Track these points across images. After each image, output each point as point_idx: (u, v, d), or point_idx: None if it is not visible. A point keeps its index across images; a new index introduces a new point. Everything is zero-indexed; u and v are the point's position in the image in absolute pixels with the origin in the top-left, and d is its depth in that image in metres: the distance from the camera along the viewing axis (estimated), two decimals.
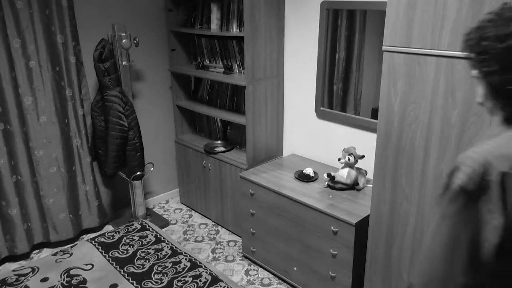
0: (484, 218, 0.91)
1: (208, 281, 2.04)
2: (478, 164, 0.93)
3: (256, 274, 2.93)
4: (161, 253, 2.28)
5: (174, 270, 2.13)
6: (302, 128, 3.15)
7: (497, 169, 0.91)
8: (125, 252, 2.30)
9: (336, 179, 2.57)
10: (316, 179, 2.76)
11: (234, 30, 3.11)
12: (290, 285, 2.80)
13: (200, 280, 2.04)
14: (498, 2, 1.46)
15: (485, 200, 0.91)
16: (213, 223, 3.58)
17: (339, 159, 2.60)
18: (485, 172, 0.91)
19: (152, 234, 2.47)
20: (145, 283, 2.03)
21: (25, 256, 3.13)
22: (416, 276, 1.02)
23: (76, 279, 2.06)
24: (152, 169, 3.69)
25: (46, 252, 3.20)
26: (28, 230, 3.09)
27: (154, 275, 2.09)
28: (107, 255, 2.27)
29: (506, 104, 1.00)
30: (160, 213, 3.77)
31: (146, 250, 2.31)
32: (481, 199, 0.91)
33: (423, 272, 1.01)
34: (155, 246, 2.35)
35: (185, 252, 2.29)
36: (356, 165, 2.63)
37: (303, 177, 2.77)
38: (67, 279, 2.07)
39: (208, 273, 2.10)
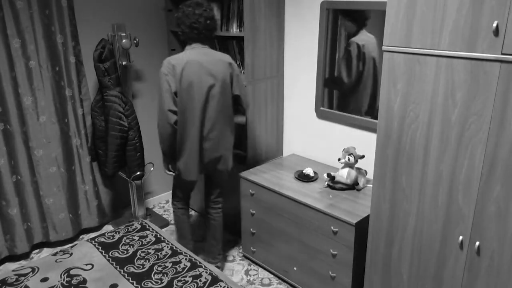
0: (170, 82, 2.37)
1: (208, 281, 2.04)
2: (167, 62, 2.39)
3: (256, 274, 2.93)
4: (161, 253, 2.28)
5: (174, 270, 2.13)
6: (302, 128, 3.15)
7: (172, 63, 2.37)
8: (125, 252, 2.30)
9: (336, 179, 2.58)
10: (316, 179, 2.76)
11: (234, 30, 3.11)
12: (290, 285, 2.81)
13: (200, 280, 2.04)
14: (498, 2, 1.46)
15: (169, 76, 2.37)
16: None
17: (339, 159, 2.60)
18: (168, 65, 2.38)
19: (152, 234, 2.47)
20: (145, 283, 2.03)
21: (25, 256, 3.13)
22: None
23: (76, 279, 2.06)
24: (152, 169, 3.69)
25: (46, 252, 3.21)
26: (28, 229, 3.09)
27: (154, 275, 2.09)
28: (107, 255, 2.27)
29: (184, 39, 2.52)
30: (160, 213, 3.77)
31: (146, 250, 2.31)
32: (168, 75, 2.37)
33: (157, 108, 2.45)
34: (155, 246, 2.35)
35: (185, 252, 2.29)
36: (356, 165, 2.63)
37: (303, 177, 2.77)
38: (67, 279, 2.06)
39: (208, 273, 2.10)
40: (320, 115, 2.98)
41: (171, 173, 2.68)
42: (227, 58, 2.50)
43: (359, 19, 2.58)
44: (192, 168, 2.53)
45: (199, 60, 2.40)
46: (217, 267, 2.82)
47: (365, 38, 2.59)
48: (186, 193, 2.82)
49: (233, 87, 2.54)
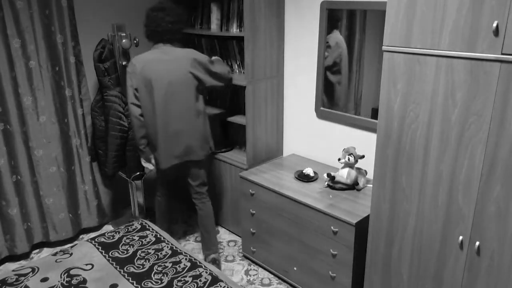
0: (132, 78, 2.64)
1: (208, 281, 2.04)
2: (131, 61, 2.64)
3: (256, 274, 2.93)
4: (161, 253, 2.28)
5: (174, 270, 2.13)
6: (302, 128, 3.15)
7: (134, 63, 2.64)
8: (125, 252, 2.30)
9: (336, 179, 2.58)
10: (316, 179, 2.76)
11: (234, 30, 3.11)
12: (290, 285, 2.81)
13: (200, 280, 2.04)
14: (498, 2, 1.46)
15: (132, 73, 2.64)
16: None
17: (339, 159, 2.60)
18: (131, 64, 2.65)
19: (152, 234, 2.47)
20: (145, 283, 2.03)
21: (25, 256, 3.13)
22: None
23: (76, 279, 2.06)
24: (152, 168, 3.69)
25: (46, 252, 3.21)
26: (28, 229, 3.09)
27: (154, 275, 2.09)
28: (107, 255, 2.27)
29: (149, 40, 2.71)
30: None
31: (146, 250, 2.31)
32: (131, 73, 2.63)
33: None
34: (155, 246, 2.35)
35: (185, 252, 2.29)
36: (356, 165, 2.63)
37: (303, 177, 2.77)
38: (67, 279, 2.06)
39: (208, 273, 2.10)
40: (320, 115, 2.98)
41: (147, 165, 2.90)
42: (191, 54, 2.64)
43: (332, 20, 2.72)
44: (164, 158, 2.74)
45: (159, 59, 2.61)
46: (213, 259, 2.87)
47: (338, 37, 2.70)
48: (166, 182, 3.02)
49: (202, 80, 2.67)
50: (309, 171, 2.81)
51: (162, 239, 2.43)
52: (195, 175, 2.85)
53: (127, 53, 3.22)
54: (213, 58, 2.83)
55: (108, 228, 3.54)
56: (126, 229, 2.53)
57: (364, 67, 2.64)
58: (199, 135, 2.73)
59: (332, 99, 2.88)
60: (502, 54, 1.49)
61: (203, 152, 2.77)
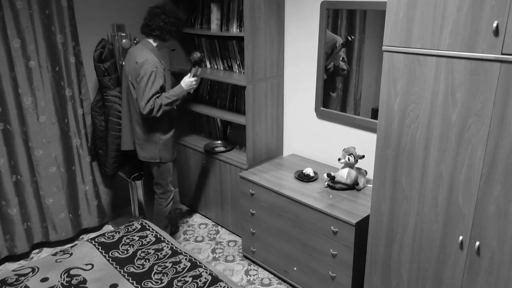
0: None
1: (208, 281, 2.04)
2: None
3: (256, 274, 2.93)
4: (161, 253, 2.28)
5: (174, 270, 2.13)
6: (302, 128, 3.15)
7: None
8: (125, 252, 2.30)
9: (336, 179, 2.58)
10: (316, 179, 2.76)
11: (234, 30, 3.11)
12: (290, 285, 2.81)
13: (200, 280, 2.04)
14: (498, 2, 1.46)
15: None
16: (213, 223, 3.58)
17: (339, 159, 2.60)
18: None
19: (152, 234, 2.47)
20: (145, 283, 2.03)
21: (25, 256, 3.13)
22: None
23: (76, 279, 2.06)
24: None
25: (46, 252, 3.21)
26: (28, 229, 3.09)
27: (154, 275, 2.09)
28: (107, 255, 2.27)
29: (141, 31, 2.79)
30: None
31: (146, 250, 2.31)
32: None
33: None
34: (155, 246, 2.35)
35: (185, 252, 2.29)
36: (356, 165, 2.63)
37: (303, 177, 2.77)
38: (67, 279, 2.06)
39: (208, 273, 2.10)
40: (320, 115, 2.98)
41: None
42: (140, 57, 2.66)
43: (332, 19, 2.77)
44: (122, 142, 3.01)
45: (129, 52, 2.81)
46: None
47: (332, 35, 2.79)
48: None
49: (131, 90, 2.73)
50: (309, 171, 2.80)
51: (162, 239, 2.42)
52: (152, 172, 3.00)
53: (127, 53, 3.22)
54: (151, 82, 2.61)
55: (108, 228, 3.54)
56: (126, 229, 2.53)
57: (364, 67, 2.64)
58: (141, 136, 2.83)
59: (332, 99, 2.88)
60: (502, 54, 1.49)
61: (147, 155, 2.87)
